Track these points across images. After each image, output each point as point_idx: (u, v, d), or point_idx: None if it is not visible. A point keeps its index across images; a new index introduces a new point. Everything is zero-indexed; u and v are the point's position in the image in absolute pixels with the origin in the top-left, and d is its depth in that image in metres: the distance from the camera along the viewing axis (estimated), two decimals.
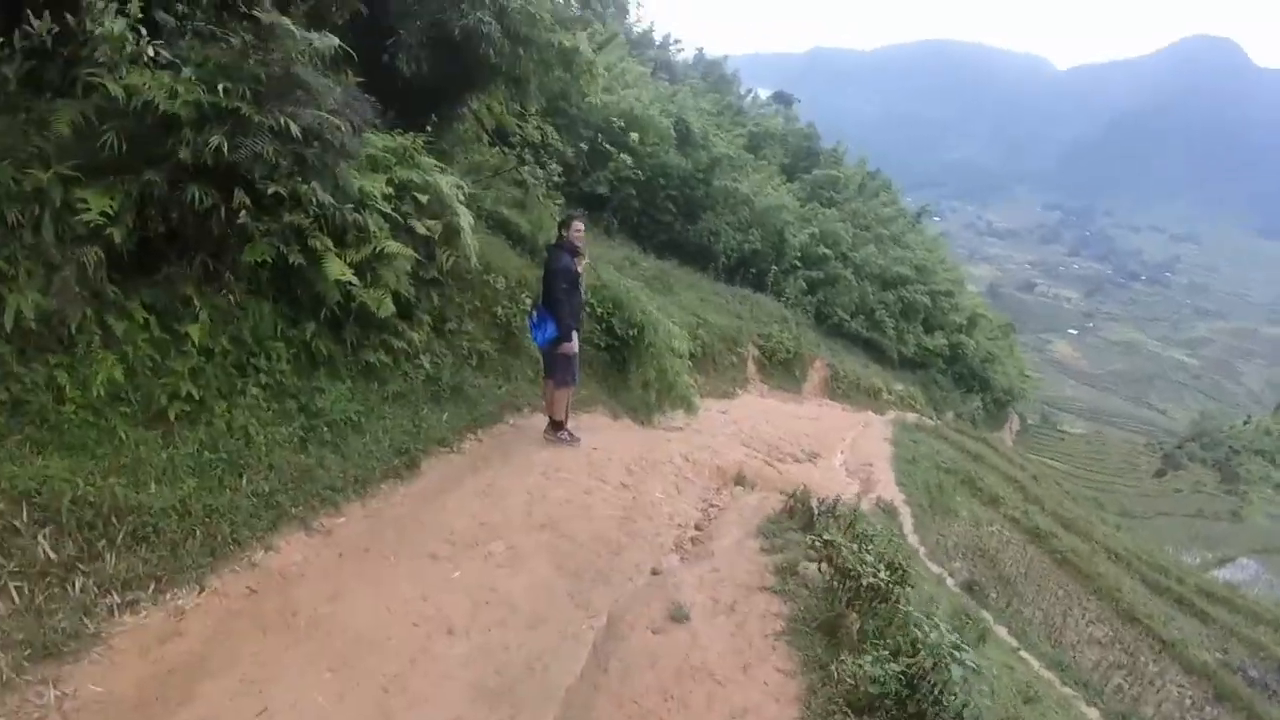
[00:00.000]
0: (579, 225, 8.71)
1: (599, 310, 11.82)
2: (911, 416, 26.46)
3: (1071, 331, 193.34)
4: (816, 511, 6.98)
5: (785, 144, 44.56)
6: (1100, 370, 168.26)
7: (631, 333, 12.05)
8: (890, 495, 13.81)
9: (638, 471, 8.73)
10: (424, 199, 7.97)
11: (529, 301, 10.13)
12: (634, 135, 24.47)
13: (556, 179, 17.11)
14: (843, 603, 5.00)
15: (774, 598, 5.43)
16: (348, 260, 6.78)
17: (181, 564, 4.87)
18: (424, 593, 5.32)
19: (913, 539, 12.73)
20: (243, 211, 5.92)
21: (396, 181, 7.78)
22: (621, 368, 12.32)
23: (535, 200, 13.83)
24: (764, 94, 64.59)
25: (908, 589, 4.99)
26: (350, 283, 6.70)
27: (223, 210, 5.84)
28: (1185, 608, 18.15)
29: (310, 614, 4.91)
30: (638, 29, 45.18)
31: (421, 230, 7.76)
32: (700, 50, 66.22)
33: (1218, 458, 71.49)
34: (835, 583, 5.22)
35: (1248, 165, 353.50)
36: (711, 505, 8.53)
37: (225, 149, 5.65)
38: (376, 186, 7.30)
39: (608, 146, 23.86)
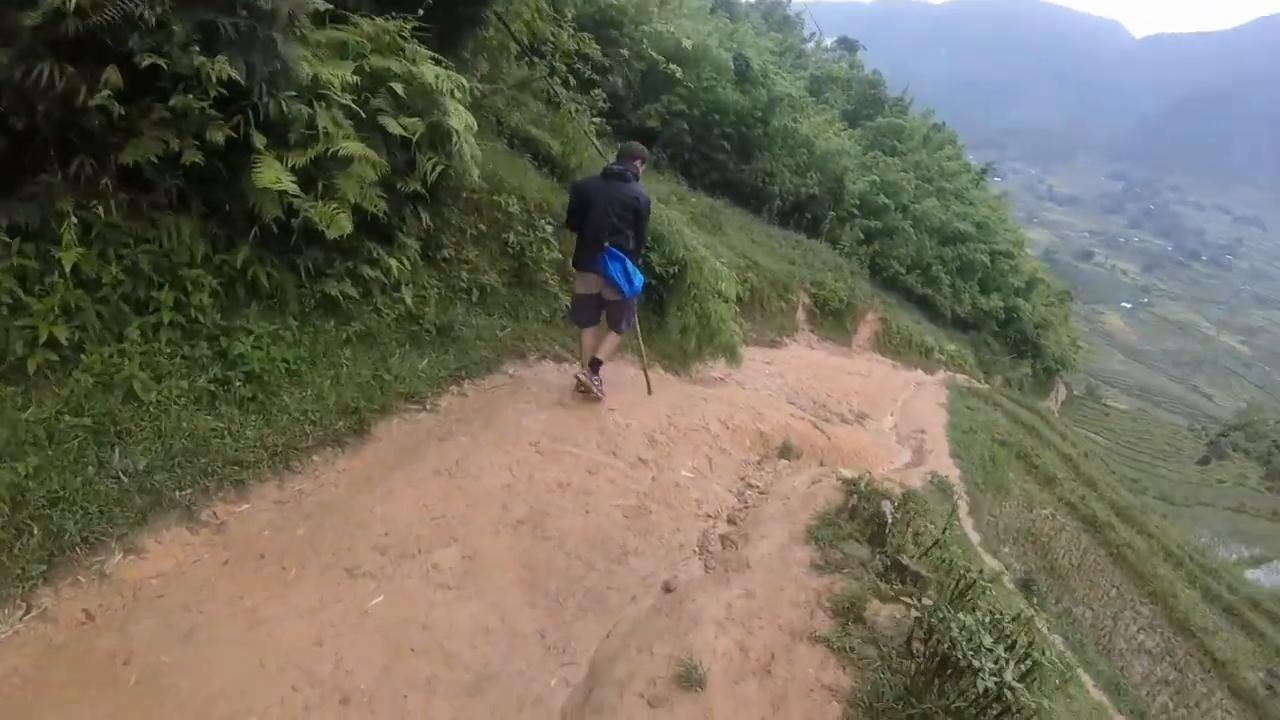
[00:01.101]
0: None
1: None
2: (961, 378, 25.17)
3: (1125, 305, 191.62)
4: (890, 519, 5.24)
5: (848, 90, 43.06)
6: (1150, 347, 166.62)
7: (672, 270, 10.20)
8: (944, 469, 12.29)
9: (662, 441, 6.94)
10: (402, 91, 6.14)
11: (549, 228, 8.70)
12: (685, 68, 22.77)
13: (602, 104, 15.46)
14: (934, 691, 3.36)
15: (829, 657, 3.76)
16: (289, 164, 5.14)
17: (7, 574, 3.47)
18: (320, 632, 3.69)
19: (967, 523, 11.32)
20: (103, 93, 4.27)
21: (369, 70, 6.07)
22: (658, 309, 10.53)
23: (568, 118, 11.95)
24: (828, 41, 62.05)
25: (1045, 701, 3.28)
26: (292, 193, 5.10)
27: (81, 94, 4.23)
28: (1234, 618, 16.85)
29: (149, 662, 3.36)
30: None
31: (395, 129, 5.94)
32: None
33: (1261, 450, 69.27)
34: (924, 655, 3.58)
35: None
36: (750, 486, 6.82)
37: (73, 6, 4.04)
38: (338, 75, 5.62)
39: (666, 68, 22.09)
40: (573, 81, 13.81)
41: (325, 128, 5.40)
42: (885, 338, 24.84)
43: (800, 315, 20.60)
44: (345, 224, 5.45)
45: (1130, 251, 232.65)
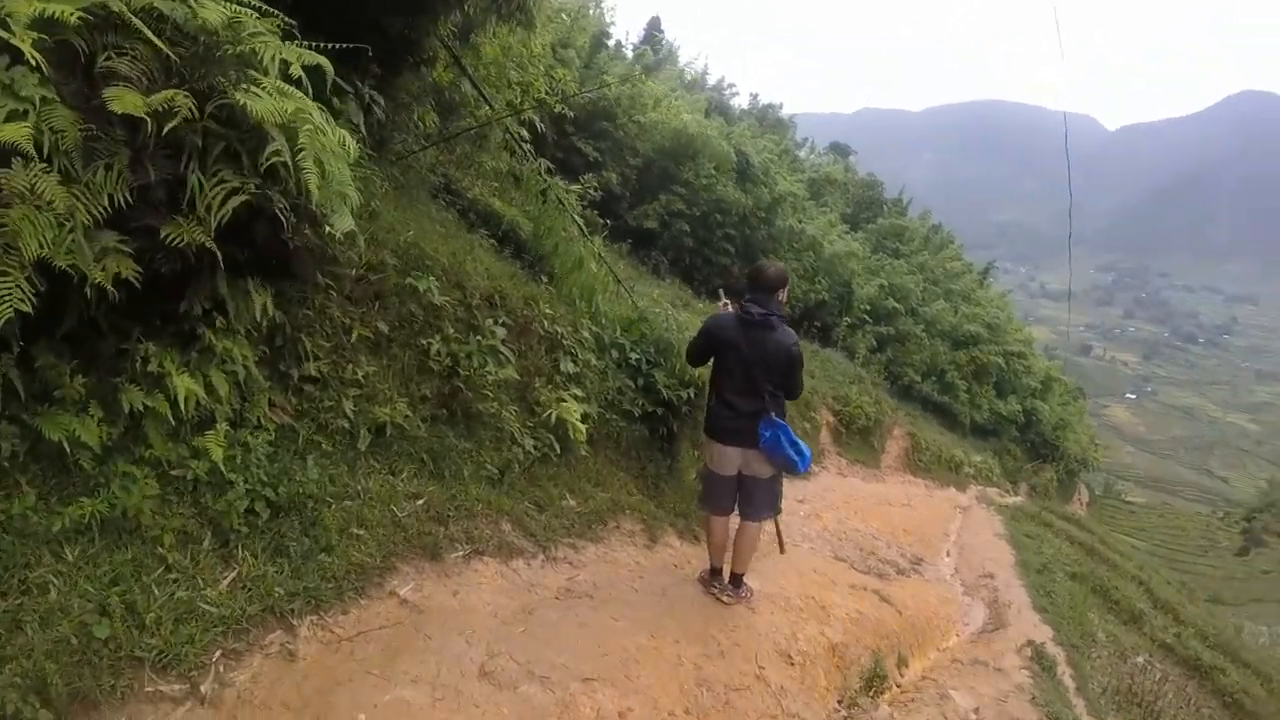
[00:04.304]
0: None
1: (633, 358, 7.77)
2: (993, 491, 22.88)
3: (1130, 396, 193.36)
4: None
5: (846, 192, 41.59)
6: (1159, 436, 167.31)
7: (685, 395, 7.77)
8: (1033, 631, 9.42)
9: None
10: (168, 48, 3.12)
11: (499, 332, 6.06)
12: (684, 163, 21.78)
13: (593, 193, 13.54)
14: None
15: None
16: None
17: None
18: None
19: (1078, 705, 7.96)
20: None
21: (114, 10, 2.98)
22: (666, 448, 8.03)
23: (535, 180, 9.29)
24: (820, 146, 61.37)
25: None
26: None
27: None
28: None
29: None
30: (691, 70, 42.09)
31: (130, 108, 2.93)
32: (755, 95, 62.47)
33: None
34: None
35: None
36: None
37: None
38: (34, 7, 2.75)
39: (667, 166, 21.06)
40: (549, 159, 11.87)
41: None
42: (914, 455, 22.53)
43: (825, 436, 18.25)
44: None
45: (1127, 341, 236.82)
